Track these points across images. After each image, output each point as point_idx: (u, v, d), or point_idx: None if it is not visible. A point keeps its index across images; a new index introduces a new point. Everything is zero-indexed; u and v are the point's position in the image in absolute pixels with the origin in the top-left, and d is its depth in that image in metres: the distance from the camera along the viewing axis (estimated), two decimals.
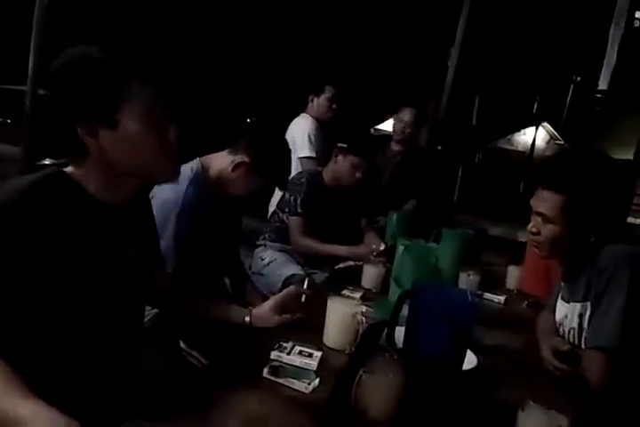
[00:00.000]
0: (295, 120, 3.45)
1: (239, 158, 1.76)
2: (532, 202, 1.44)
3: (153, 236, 1.37)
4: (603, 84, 4.59)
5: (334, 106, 3.37)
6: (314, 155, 3.24)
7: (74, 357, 1.03)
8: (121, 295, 1.12)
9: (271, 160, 1.80)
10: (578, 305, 1.40)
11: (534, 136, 16.55)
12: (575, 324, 1.41)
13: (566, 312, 1.45)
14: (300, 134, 3.28)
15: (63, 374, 1.02)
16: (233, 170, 1.76)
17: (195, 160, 1.81)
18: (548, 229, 1.41)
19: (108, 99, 1.01)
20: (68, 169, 1.07)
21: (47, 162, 3.53)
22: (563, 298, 1.50)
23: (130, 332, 1.19)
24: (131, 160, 1.05)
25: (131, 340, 1.19)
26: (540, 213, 1.41)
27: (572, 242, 1.40)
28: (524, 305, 2.04)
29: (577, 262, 1.42)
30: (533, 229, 1.45)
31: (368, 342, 1.08)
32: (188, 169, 1.74)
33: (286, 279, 2.46)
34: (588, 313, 1.36)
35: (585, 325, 1.37)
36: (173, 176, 1.14)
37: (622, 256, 1.30)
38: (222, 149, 1.84)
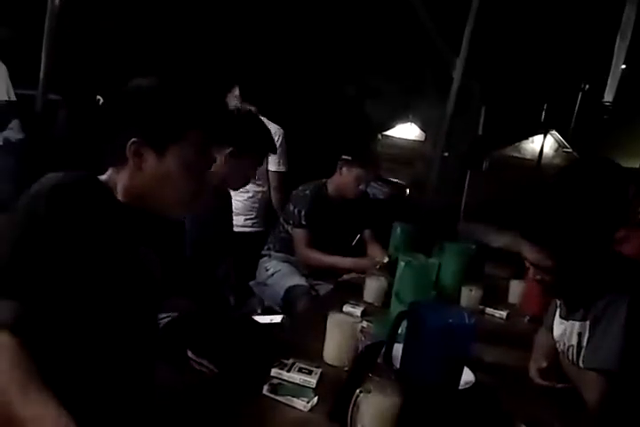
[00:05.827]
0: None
1: None
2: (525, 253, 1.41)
3: (177, 246, 1.37)
4: (608, 97, 4.56)
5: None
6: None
7: (87, 359, 1.01)
8: (133, 297, 1.09)
9: None
10: (577, 324, 1.40)
11: (542, 144, 16.48)
12: (574, 341, 1.41)
13: (565, 329, 1.46)
14: None
15: (77, 377, 1.00)
16: None
17: None
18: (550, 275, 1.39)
19: (173, 128, 1.05)
20: (103, 176, 1.09)
21: None
22: (561, 315, 1.51)
23: (144, 338, 1.16)
24: (154, 190, 1.08)
25: (145, 346, 1.16)
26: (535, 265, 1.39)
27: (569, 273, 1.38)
28: (526, 320, 2.05)
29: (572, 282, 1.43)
30: (538, 278, 1.43)
31: (365, 361, 1.10)
32: None
33: (288, 289, 2.48)
34: (587, 333, 1.36)
35: (584, 343, 1.38)
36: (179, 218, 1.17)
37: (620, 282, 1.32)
38: None
